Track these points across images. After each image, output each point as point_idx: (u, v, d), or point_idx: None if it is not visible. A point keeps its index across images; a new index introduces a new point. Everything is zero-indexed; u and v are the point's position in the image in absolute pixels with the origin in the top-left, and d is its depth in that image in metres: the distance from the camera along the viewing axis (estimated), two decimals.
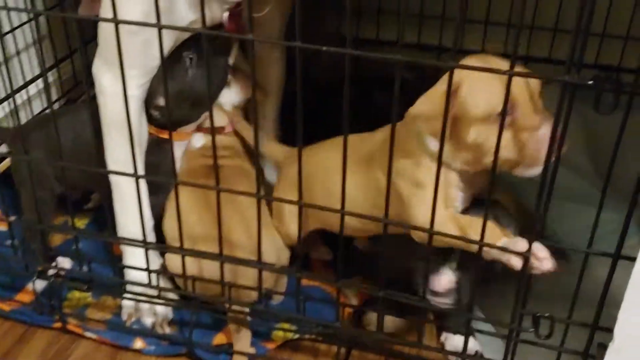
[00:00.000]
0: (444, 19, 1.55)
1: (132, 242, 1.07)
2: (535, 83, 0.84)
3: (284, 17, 1.14)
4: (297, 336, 1.10)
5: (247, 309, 1.05)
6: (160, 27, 0.84)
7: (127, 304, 1.15)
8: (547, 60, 1.55)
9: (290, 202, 0.92)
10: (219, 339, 1.11)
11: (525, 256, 0.82)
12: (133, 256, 1.13)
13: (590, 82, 0.70)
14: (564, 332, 0.93)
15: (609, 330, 0.83)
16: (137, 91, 1.06)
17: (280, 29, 1.13)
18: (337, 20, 1.37)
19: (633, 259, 0.78)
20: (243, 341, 1.08)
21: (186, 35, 1.06)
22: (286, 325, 1.10)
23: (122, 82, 0.92)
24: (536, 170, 0.84)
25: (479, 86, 0.83)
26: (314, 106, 1.45)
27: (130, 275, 1.14)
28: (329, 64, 1.44)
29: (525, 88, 0.82)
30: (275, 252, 1.11)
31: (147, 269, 1.07)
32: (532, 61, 1.53)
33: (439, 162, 0.80)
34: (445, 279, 0.97)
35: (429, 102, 0.85)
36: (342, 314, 1.10)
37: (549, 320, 0.91)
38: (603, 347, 0.86)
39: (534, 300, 1.15)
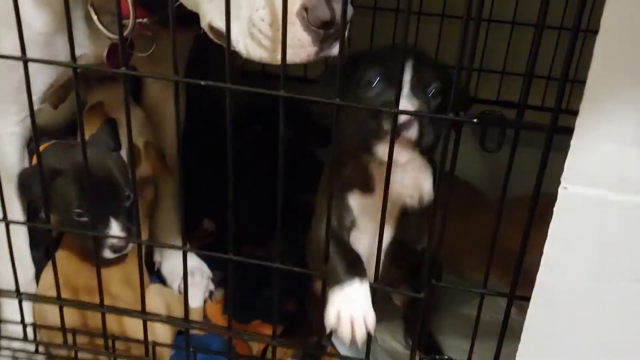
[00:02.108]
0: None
1: (4, 293, 0.97)
2: None
3: (181, 53, 1.08)
4: None
5: None
6: (26, 60, 0.78)
7: None
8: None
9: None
10: None
11: None
12: (11, 308, 1.04)
13: (475, 120, 0.68)
14: None
15: None
16: (17, 128, 0.99)
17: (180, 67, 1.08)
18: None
19: (527, 299, 0.76)
20: None
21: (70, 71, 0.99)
22: None
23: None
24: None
25: None
26: (220, 145, 1.40)
27: (8, 329, 1.04)
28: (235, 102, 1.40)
29: None
30: (166, 306, 1.05)
31: (22, 322, 0.98)
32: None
33: None
34: None
35: None
36: None
37: None
38: None
39: (443, 336, 1.14)
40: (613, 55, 0.62)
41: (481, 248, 0.83)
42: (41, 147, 0.96)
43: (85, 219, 0.98)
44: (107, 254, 1.02)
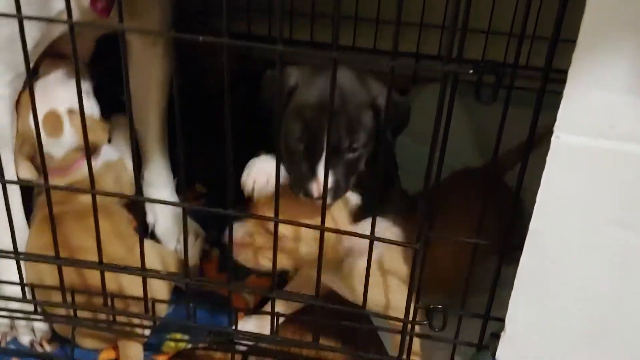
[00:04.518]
0: (313, 16, 1.54)
1: (1, 253, 0.98)
2: None
3: (164, 8, 1.07)
4: (190, 346, 1.05)
5: (134, 320, 0.99)
6: (21, 18, 0.77)
7: (1, 321, 1.06)
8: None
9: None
10: (106, 355, 1.05)
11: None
12: (8, 269, 1.04)
13: (471, 71, 0.69)
14: (458, 324, 0.92)
15: (502, 320, 0.84)
16: (6, 89, 0.99)
17: (162, 21, 1.06)
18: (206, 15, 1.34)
19: (520, 248, 0.78)
20: (132, 356, 1.02)
21: (58, 30, 0.99)
22: (178, 335, 1.05)
23: None
24: None
25: None
26: (210, 106, 1.40)
27: (5, 290, 1.05)
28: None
29: None
30: (160, 260, 1.06)
31: (21, 283, 0.99)
32: (424, 58, 1.56)
33: None
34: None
35: None
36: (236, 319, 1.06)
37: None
38: (496, 337, 0.87)
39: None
40: (605, 5, 0.63)
41: None
42: None
43: None
44: None
